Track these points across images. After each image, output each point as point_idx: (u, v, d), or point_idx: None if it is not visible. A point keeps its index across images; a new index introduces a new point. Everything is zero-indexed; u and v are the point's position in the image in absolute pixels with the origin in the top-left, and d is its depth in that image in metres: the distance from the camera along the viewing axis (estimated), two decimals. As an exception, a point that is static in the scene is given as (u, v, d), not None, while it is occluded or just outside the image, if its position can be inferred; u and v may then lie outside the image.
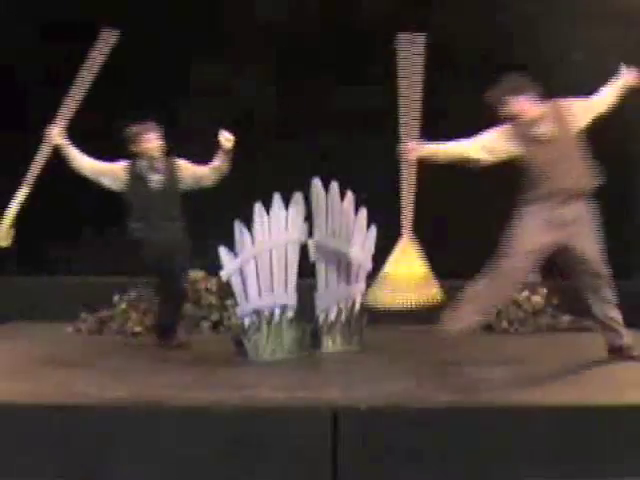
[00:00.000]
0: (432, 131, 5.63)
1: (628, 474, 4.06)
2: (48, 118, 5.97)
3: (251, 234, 5.63)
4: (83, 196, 6.66)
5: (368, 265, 6.35)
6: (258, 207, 5.67)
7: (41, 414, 4.14)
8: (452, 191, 7.60)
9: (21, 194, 5.88)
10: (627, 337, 5.49)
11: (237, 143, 6.10)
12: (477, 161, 5.47)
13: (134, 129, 6.24)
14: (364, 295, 5.97)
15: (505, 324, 7.19)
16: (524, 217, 5.40)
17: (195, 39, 7.96)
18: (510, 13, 7.95)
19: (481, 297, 5.44)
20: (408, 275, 5.29)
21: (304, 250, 5.94)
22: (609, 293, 5.50)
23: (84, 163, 6.15)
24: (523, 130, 5.40)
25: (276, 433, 4.06)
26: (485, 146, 5.44)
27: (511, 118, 5.43)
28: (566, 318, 7.13)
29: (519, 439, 4.08)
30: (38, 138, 5.94)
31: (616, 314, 5.52)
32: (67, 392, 4.53)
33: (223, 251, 5.54)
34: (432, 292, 5.28)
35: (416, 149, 5.41)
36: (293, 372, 5.29)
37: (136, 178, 6.19)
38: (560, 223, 5.33)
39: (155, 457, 4.05)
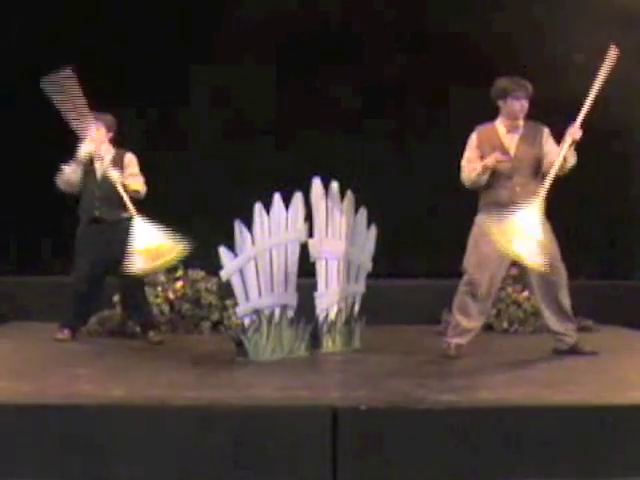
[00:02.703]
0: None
1: (628, 474, 4.06)
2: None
3: (251, 234, 5.62)
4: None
5: (368, 265, 6.36)
6: (258, 207, 5.66)
7: (41, 414, 4.13)
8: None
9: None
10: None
11: (237, 144, 6.10)
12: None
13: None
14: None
15: (505, 324, 7.19)
16: (478, 225, 5.67)
17: (195, 39, 7.96)
18: (510, 14, 7.96)
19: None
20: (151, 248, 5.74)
21: (304, 250, 5.93)
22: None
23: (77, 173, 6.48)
24: (492, 136, 5.66)
25: (276, 433, 4.06)
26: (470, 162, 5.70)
27: (503, 113, 5.66)
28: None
29: (519, 439, 4.08)
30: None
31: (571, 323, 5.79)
32: (67, 392, 4.53)
33: (223, 251, 5.54)
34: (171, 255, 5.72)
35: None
36: (293, 372, 5.28)
37: (90, 162, 6.46)
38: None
39: (155, 457, 4.04)
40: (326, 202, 6.03)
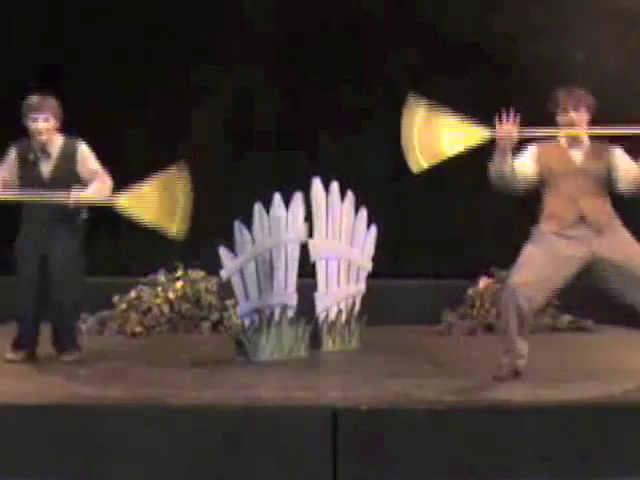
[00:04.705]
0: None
1: (628, 474, 4.06)
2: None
3: (251, 234, 5.62)
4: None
5: (368, 265, 6.36)
6: (258, 207, 5.66)
7: (41, 414, 4.14)
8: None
9: None
10: None
11: (237, 144, 6.09)
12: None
13: (29, 101, 5.39)
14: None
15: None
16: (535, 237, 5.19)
17: (194, 40, 7.96)
18: (511, 14, 7.96)
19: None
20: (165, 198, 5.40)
21: (304, 250, 5.94)
22: None
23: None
24: (556, 149, 5.20)
25: (276, 433, 4.06)
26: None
27: (565, 126, 5.18)
28: (566, 318, 7.12)
29: (518, 439, 4.08)
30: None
31: None
32: (67, 392, 4.53)
33: (223, 251, 5.54)
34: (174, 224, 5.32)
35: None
36: (293, 372, 5.29)
37: (25, 162, 5.42)
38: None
39: (155, 457, 4.05)
40: (326, 202, 6.03)
